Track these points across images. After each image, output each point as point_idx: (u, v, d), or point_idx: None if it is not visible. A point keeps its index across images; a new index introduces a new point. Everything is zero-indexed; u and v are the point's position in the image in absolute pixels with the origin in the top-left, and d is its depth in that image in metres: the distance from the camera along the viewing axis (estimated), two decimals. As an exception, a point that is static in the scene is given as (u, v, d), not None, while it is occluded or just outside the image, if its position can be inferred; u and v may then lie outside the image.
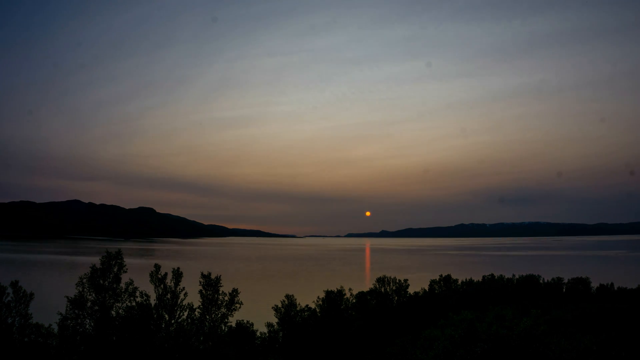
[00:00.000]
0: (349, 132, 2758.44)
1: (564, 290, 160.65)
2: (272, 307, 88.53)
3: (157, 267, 71.13)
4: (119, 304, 66.06)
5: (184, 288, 71.02)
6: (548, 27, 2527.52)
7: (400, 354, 52.22)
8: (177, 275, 71.03)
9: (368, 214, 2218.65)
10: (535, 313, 37.35)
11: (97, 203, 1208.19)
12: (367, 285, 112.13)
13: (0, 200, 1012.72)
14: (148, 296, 68.34)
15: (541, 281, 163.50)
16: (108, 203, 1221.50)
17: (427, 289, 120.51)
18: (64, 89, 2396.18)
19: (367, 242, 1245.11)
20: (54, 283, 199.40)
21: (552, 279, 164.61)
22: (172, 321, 68.70)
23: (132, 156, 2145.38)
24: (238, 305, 74.21)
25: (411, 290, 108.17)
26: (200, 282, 74.31)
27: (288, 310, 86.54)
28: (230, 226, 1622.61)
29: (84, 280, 64.85)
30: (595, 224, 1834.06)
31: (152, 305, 68.29)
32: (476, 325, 36.86)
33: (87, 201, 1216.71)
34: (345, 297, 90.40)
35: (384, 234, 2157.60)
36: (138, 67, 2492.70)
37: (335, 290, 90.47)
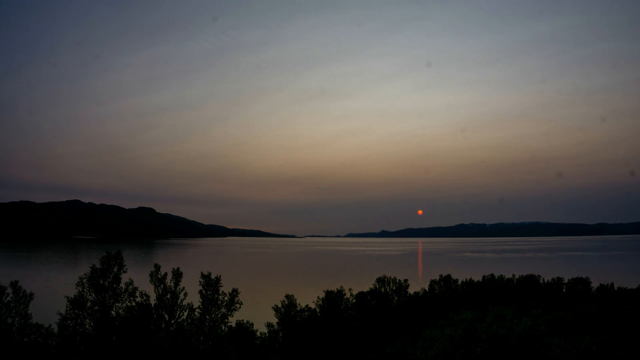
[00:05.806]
0: (349, 132, 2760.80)
1: (564, 290, 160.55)
2: (272, 307, 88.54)
3: (157, 267, 71.16)
4: (119, 304, 66.08)
5: (183, 288, 71.03)
6: (548, 27, 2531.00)
7: (400, 354, 52.19)
8: (177, 275, 71.02)
9: (420, 212, 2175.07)
10: (535, 313, 37.23)
11: (97, 203, 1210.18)
12: (367, 285, 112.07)
13: (0, 200, 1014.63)
14: (148, 296, 68.37)
15: (541, 281, 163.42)
16: (108, 203, 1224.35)
17: (427, 289, 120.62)
18: (64, 88, 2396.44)
19: (419, 242, 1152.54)
20: (54, 283, 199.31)
21: (552, 279, 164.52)
22: (172, 321, 68.65)
23: (133, 156, 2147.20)
24: (238, 305, 74.25)
25: (411, 290, 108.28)
26: (200, 282, 74.35)
27: (288, 310, 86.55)
28: (230, 226, 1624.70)
29: (84, 281, 64.90)
30: (595, 224, 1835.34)
31: (152, 305, 68.30)
32: (476, 325, 36.82)
33: (87, 201, 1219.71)
34: (345, 297, 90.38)
35: (383, 233, 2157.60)
36: (139, 68, 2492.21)
37: (335, 290, 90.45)
